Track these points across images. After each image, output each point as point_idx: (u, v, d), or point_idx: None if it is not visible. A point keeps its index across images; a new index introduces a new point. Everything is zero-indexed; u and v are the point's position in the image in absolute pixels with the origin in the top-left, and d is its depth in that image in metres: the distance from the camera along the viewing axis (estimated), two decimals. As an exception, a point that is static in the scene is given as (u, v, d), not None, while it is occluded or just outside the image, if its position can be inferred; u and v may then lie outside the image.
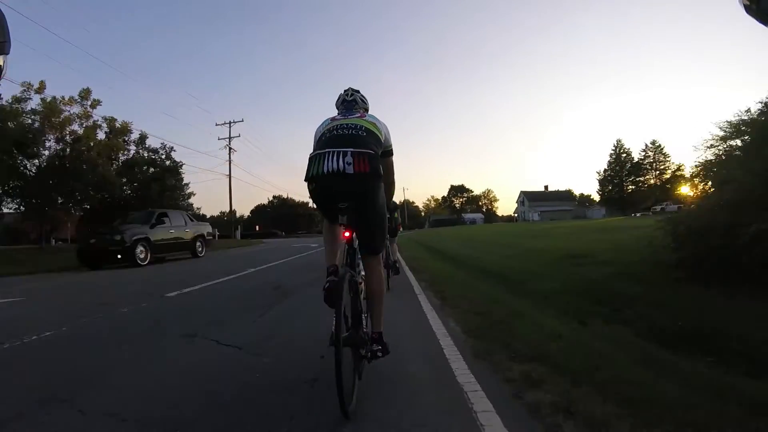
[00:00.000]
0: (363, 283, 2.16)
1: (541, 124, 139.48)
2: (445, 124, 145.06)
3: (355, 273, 2.08)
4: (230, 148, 36.73)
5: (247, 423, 1.83)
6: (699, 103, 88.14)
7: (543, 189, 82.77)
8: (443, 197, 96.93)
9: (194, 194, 24.62)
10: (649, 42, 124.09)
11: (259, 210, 69.18)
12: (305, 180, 2.02)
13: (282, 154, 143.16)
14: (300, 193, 68.63)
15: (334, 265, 1.99)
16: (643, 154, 74.19)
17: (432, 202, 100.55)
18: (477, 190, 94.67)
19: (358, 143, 2.01)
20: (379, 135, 2.17)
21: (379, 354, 2.06)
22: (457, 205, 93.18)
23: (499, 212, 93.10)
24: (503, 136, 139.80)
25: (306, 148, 2.19)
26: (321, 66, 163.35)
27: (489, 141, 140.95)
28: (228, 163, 36.32)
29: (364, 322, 2.05)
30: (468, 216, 79.53)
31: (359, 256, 2.19)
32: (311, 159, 2.00)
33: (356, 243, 2.15)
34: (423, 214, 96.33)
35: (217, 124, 37.32)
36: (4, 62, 1.33)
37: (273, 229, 57.10)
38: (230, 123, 37.09)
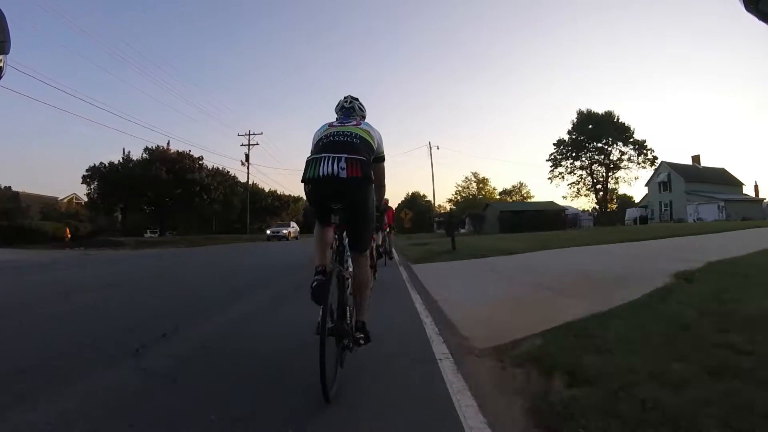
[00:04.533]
0: (350, 279, 2.28)
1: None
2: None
3: (343, 269, 2.21)
4: None
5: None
6: None
7: (691, 163, 44.75)
8: (561, 142, 45.60)
9: None
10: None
11: (102, 176, 31.57)
12: (302, 181, 2.13)
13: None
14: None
15: (322, 265, 2.12)
16: None
17: (472, 183, 61.77)
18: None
19: (352, 150, 2.12)
20: (372, 143, 2.29)
21: (362, 341, 2.19)
22: (601, 171, 45.06)
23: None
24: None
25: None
26: None
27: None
28: None
29: (348, 314, 2.16)
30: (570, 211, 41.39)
31: (348, 253, 2.35)
32: (308, 162, 2.11)
33: (346, 241, 2.29)
34: (441, 209, 53.00)
35: None
36: (4, 62, 1.36)
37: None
38: None
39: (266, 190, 45.66)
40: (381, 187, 2.56)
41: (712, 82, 77.03)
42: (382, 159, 2.47)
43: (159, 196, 28.38)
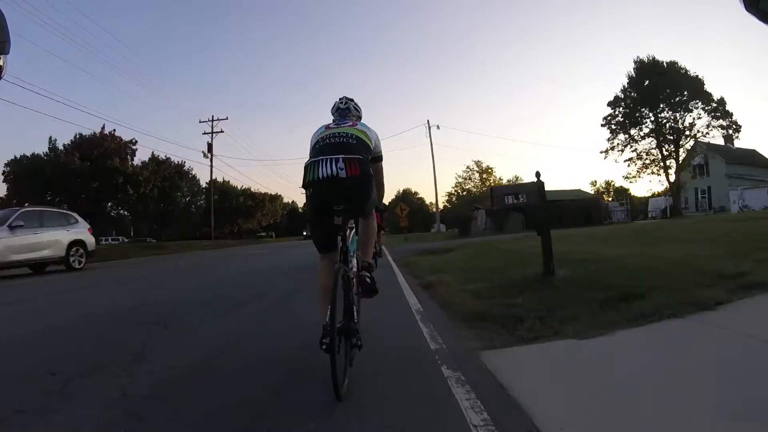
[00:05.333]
0: (355, 279, 2.25)
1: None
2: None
3: (348, 269, 2.20)
4: None
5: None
6: None
7: (724, 143, 39.17)
8: (618, 100, 34.62)
9: None
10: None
11: (21, 170, 24.16)
12: (302, 186, 2.16)
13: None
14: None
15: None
16: None
17: (474, 174, 55.36)
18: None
19: (349, 150, 2.16)
20: (368, 142, 2.35)
21: (368, 279, 2.17)
22: (669, 141, 32.48)
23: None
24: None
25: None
26: None
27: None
28: None
29: (355, 315, 2.17)
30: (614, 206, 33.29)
31: (351, 254, 2.34)
32: (307, 166, 2.14)
33: (349, 240, 2.30)
34: (436, 208, 40.57)
35: None
36: (4, 62, 1.37)
37: None
38: None
39: (239, 187, 39.27)
40: (380, 186, 2.64)
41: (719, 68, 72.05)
42: (380, 158, 2.55)
43: (80, 192, 21.72)
